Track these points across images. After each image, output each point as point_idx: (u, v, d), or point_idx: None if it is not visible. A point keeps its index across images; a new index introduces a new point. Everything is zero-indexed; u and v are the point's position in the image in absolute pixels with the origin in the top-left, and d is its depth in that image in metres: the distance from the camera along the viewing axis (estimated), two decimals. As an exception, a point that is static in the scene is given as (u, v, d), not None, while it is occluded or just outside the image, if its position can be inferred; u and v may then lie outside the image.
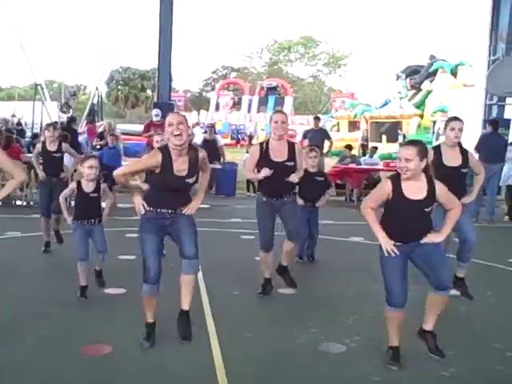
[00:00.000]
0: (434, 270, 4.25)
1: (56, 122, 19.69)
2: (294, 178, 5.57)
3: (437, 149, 5.63)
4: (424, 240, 4.19)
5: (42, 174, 7.64)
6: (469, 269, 5.98)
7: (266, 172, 5.45)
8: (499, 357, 4.53)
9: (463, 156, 5.58)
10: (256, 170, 5.64)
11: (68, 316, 5.20)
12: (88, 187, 5.81)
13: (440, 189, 4.19)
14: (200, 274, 6.28)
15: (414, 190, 4.11)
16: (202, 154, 4.53)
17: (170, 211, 4.41)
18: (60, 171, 7.60)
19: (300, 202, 7.24)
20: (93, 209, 5.84)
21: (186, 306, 4.55)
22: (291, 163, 5.58)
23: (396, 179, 4.15)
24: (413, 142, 4.27)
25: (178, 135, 4.22)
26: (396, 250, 4.12)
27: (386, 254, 4.13)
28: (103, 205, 6.05)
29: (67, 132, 11.64)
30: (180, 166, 4.33)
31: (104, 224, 5.97)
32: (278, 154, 5.56)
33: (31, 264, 6.99)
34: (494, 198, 11.71)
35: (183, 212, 4.45)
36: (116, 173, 4.48)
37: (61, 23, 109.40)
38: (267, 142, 5.66)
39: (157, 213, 4.40)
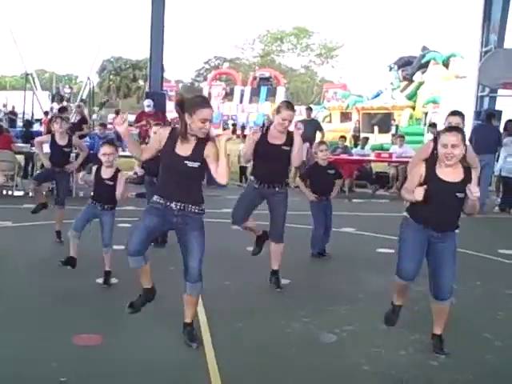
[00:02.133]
0: (437, 277, 4.24)
1: (47, 112, 19.67)
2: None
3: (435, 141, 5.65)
4: (473, 193, 3.97)
5: (47, 164, 7.61)
6: (459, 259, 6.01)
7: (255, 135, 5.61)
8: (488, 346, 4.57)
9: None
10: (253, 156, 5.74)
11: (59, 306, 5.20)
12: (105, 173, 5.88)
13: (474, 174, 4.14)
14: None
15: (449, 173, 4.09)
16: (212, 144, 4.25)
17: (178, 206, 4.20)
18: (66, 163, 7.56)
19: (312, 198, 7.27)
20: (108, 195, 5.84)
21: (188, 319, 4.44)
22: (287, 148, 5.60)
23: (431, 162, 4.17)
24: (456, 129, 4.26)
25: (205, 132, 4.18)
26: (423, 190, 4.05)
27: (420, 195, 4.03)
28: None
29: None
30: (183, 146, 4.20)
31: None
32: (276, 138, 5.61)
33: (21, 254, 6.96)
34: (486, 188, 11.76)
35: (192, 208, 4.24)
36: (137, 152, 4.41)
37: (52, 12, 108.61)
38: (267, 128, 5.72)
39: (165, 206, 4.23)
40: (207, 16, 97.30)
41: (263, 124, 21.26)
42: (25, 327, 4.63)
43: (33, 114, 21.38)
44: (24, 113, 21.59)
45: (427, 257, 4.29)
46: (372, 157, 15.11)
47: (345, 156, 14.58)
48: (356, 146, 20.69)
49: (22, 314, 4.93)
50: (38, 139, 8.19)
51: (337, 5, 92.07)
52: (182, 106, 4.16)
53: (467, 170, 4.13)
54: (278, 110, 5.60)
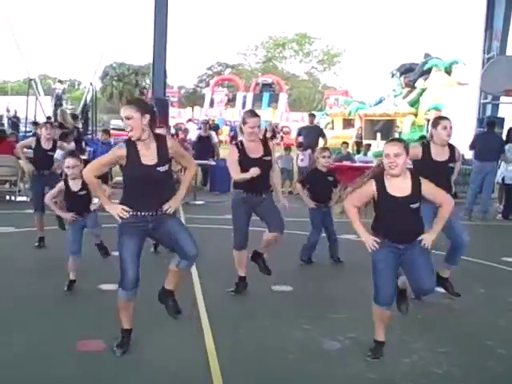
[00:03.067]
0: (416, 282, 4.29)
1: (50, 117, 19.72)
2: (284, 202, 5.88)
3: (426, 145, 5.67)
4: (422, 244, 4.20)
5: (28, 167, 7.67)
6: (461, 267, 6.01)
7: (255, 171, 5.44)
8: (491, 354, 4.55)
9: (451, 151, 5.65)
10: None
11: (62, 312, 5.21)
12: (74, 186, 5.83)
13: (425, 184, 4.21)
14: (194, 271, 6.30)
15: (399, 187, 4.15)
16: (171, 142, 4.32)
17: (151, 213, 4.16)
18: (51, 165, 7.59)
19: (311, 205, 7.23)
20: (82, 206, 5.86)
21: (171, 286, 4.48)
22: (268, 157, 5.69)
23: (380, 178, 4.19)
24: (397, 139, 4.38)
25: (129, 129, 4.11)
26: (378, 242, 4.17)
27: (370, 250, 4.20)
28: (95, 200, 6.01)
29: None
30: (147, 155, 4.12)
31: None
32: (254, 150, 5.65)
33: (25, 260, 6.98)
34: (489, 196, 11.74)
35: (163, 211, 4.19)
36: (84, 172, 4.32)
37: (55, 18, 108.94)
38: (241, 142, 5.73)
39: (137, 217, 4.14)
40: (210, 22, 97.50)
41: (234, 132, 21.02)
42: (26, 331, 4.63)
43: (35, 119, 21.43)
44: (26, 118, 21.63)
45: (402, 266, 4.32)
46: (374, 163, 15.10)
47: (347, 163, 14.58)
48: (358, 152, 20.67)
49: (23, 319, 4.94)
50: (21, 143, 8.23)
51: (339, 11, 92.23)
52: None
53: (415, 181, 4.18)
54: (243, 122, 5.64)
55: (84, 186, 5.74)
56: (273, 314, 5.32)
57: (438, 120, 5.72)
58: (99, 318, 5.01)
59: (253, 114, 5.76)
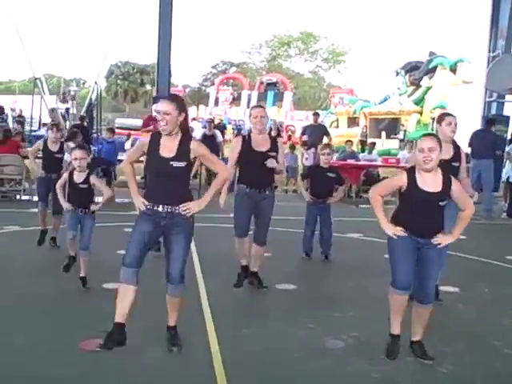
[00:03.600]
0: (424, 279, 4.26)
1: (58, 123, 19.75)
2: (271, 163, 5.60)
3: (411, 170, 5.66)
4: (434, 240, 4.18)
5: (36, 172, 7.71)
6: (466, 265, 5.99)
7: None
8: (497, 354, 4.53)
9: (455, 150, 5.53)
10: (239, 163, 5.82)
11: (65, 311, 5.20)
12: (78, 178, 5.92)
13: (456, 184, 4.21)
14: (198, 270, 6.30)
15: (430, 182, 4.14)
16: (195, 144, 4.30)
17: (166, 208, 4.20)
18: (60, 169, 7.58)
19: (308, 199, 7.31)
20: (83, 199, 5.91)
21: (172, 323, 4.45)
22: (273, 153, 5.71)
23: (412, 171, 4.20)
24: (432, 134, 4.36)
25: (163, 126, 4.17)
26: (402, 232, 4.19)
27: (395, 237, 4.21)
28: (99, 199, 6.03)
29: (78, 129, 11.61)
30: (166, 148, 4.20)
31: (97, 218, 5.95)
32: (260, 144, 5.71)
33: (29, 258, 6.98)
34: (490, 194, 11.69)
35: (180, 210, 4.19)
36: (121, 166, 4.48)
37: (60, 17, 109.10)
38: (249, 135, 5.83)
39: (153, 210, 4.23)
40: (214, 21, 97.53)
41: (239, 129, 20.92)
42: (29, 331, 4.63)
43: (40, 119, 21.49)
44: (32, 117, 21.68)
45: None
46: (379, 162, 15.09)
47: (352, 161, 14.57)
48: (363, 151, 20.65)
49: (24, 318, 4.93)
50: (32, 149, 8.26)
51: (344, 10, 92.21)
52: None
53: (446, 178, 4.19)
54: (250, 114, 5.84)
55: (87, 179, 5.88)
56: (276, 313, 5.32)
57: (442, 116, 5.69)
58: (101, 318, 5.00)
59: (257, 106, 6.05)
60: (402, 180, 4.21)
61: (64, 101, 23.11)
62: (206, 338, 4.58)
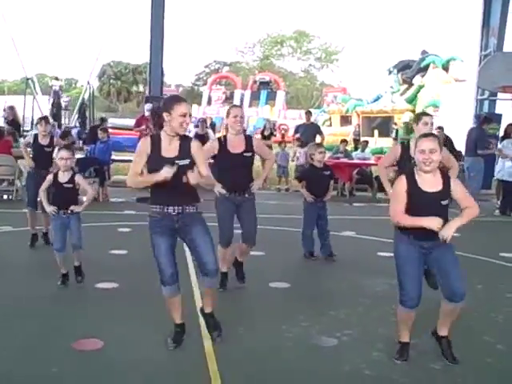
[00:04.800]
0: (445, 277, 4.15)
1: (46, 117, 19.71)
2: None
3: (406, 143, 5.73)
4: (440, 235, 4.00)
5: (30, 162, 7.76)
6: (460, 263, 5.99)
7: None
8: (489, 350, 4.56)
9: None
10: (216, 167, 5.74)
11: (59, 311, 5.20)
12: (63, 178, 5.92)
13: (455, 184, 4.14)
14: (191, 268, 6.29)
15: (430, 182, 4.07)
16: (195, 144, 4.30)
17: (176, 209, 4.23)
18: (50, 165, 7.58)
19: (310, 199, 7.33)
20: (68, 199, 5.88)
21: (209, 310, 4.54)
22: (249, 154, 5.69)
23: (410, 173, 4.14)
24: (432, 134, 4.28)
25: (186, 127, 4.23)
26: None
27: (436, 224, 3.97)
28: (84, 199, 6.03)
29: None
30: (169, 148, 4.21)
31: (91, 217, 5.95)
32: (236, 146, 5.67)
33: (22, 259, 6.98)
34: (475, 190, 11.65)
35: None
36: (127, 182, 4.36)
37: (52, 16, 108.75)
38: (225, 137, 5.80)
39: (163, 214, 4.23)
40: (207, 20, 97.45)
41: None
42: (24, 331, 4.62)
43: (33, 119, 21.39)
44: (24, 117, 21.59)
45: (430, 266, 4.30)
46: (372, 160, 15.13)
47: (345, 160, 14.60)
48: (356, 149, 20.68)
49: (21, 318, 4.92)
50: (23, 142, 8.47)
51: (337, 9, 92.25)
52: (157, 110, 4.26)
53: (446, 178, 4.13)
54: (227, 114, 5.71)
55: (72, 179, 5.89)
56: (270, 311, 5.32)
57: (419, 116, 5.86)
58: (97, 317, 5.01)
59: (236, 105, 5.93)
60: (401, 184, 4.11)
61: (56, 102, 22.91)
62: (199, 337, 4.58)
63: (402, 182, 4.12)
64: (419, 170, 4.09)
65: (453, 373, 4.11)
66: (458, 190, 4.13)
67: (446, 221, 4.08)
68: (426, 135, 4.23)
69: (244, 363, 4.18)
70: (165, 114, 4.16)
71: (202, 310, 4.61)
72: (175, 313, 4.44)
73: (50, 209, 5.90)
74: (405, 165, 5.42)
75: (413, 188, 4.08)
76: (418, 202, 4.06)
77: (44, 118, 8.26)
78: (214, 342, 4.43)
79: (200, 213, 4.35)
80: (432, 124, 5.59)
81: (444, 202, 4.08)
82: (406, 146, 5.68)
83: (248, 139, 5.79)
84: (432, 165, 4.02)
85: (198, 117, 26.16)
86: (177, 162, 4.11)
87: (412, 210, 4.09)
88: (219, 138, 5.86)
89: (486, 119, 12.53)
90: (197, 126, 15.64)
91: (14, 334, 4.57)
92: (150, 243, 4.28)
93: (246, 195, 5.75)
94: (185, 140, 4.26)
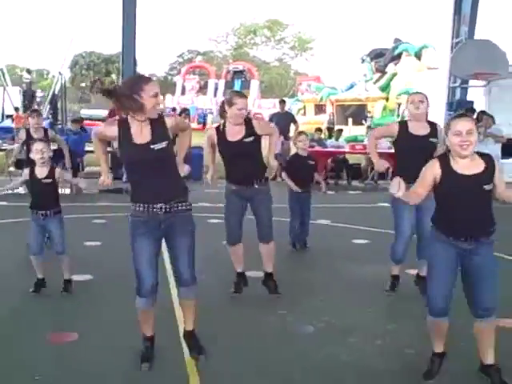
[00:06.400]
0: (478, 293, 3.58)
1: (17, 108, 19.42)
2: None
3: (403, 123, 5.60)
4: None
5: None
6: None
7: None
8: (461, 333, 4.57)
9: (431, 127, 5.41)
10: (212, 152, 5.39)
11: (34, 304, 5.16)
12: (41, 173, 5.43)
13: (497, 165, 3.57)
14: (167, 259, 6.26)
15: (468, 166, 3.50)
16: (171, 120, 3.88)
17: (163, 207, 3.75)
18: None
19: (297, 189, 7.22)
20: (47, 197, 5.45)
21: (190, 327, 4.15)
22: (250, 139, 5.15)
23: (444, 158, 3.58)
24: (466, 114, 3.70)
25: (159, 108, 3.80)
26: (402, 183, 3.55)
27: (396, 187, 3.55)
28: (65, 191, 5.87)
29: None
30: (140, 135, 3.71)
31: (65, 209, 5.75)
32: (235, 133, 5.15)
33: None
34: None
35: (180, 171, 3.91)
36: (92, 137, 4.05)
37: (21, 5, 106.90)
38: (224, 124, 5.25)
39: (149, 213, 3.76)
40: (179, 8, 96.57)
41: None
42: (-1, 326, 4.58)
43: (3, 110, 21.08)
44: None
45: (462, 273, 3.66)
46: (346, 148, 15.21)
47: (319, 148, 14.65)
48: (330, 137, 20.76)
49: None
50: (18, 137, 8.09)
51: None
52: (120, 91, 3.70)
53: (489, 161, 3.54)
54: (230, 103, 5.10)
55: (51, 173, 5.41)
56: (248, 300, 5.33)
57: (409, 95, 5.71)
58: (72, 310, 4.98)
59: (241, 95, 5.33)
60: (434, 169, 3.55)
61: (29, 95, 22.53)
62: (175, 326, 4.55)
63: (434, 166, 3.55)
64: (455, 156, 3.52)
65: (427, 356, 4.13)
66: (497, 172, 3.56)
67: (491, 214, 3.57)
68: (460, 115, 3.63)
69: (220, 351, 4.18)
70: (135, 96, 3.63)
71: (184, 333, 4.20)
72: (147, 325, 4.04)
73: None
74: (403, 144, 5.34)
75: (447, 172, 3.51)
76: (455, 189, 3.50)
77: (35, 111, 7.99)
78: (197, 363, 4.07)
79: (190, 210, 3.92)
80: (420, 101, 5.33)
81: (487, 187, 3.49)
82: (404, 125, 5.45)
83: (247, 123, 5.18)
84: (470, 148, 3.46)
85: (172, 106, 26.04)
86: (152, 147, 3.68)
87: (446, 200, 3.57)
88: (217, 127, 5.34)
89: (468, 109, 12.63)
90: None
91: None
92: (131, 246, 3.83)
93: (256, 186, 5.23)
94: (156, 121, 3.75)
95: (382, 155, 5.77)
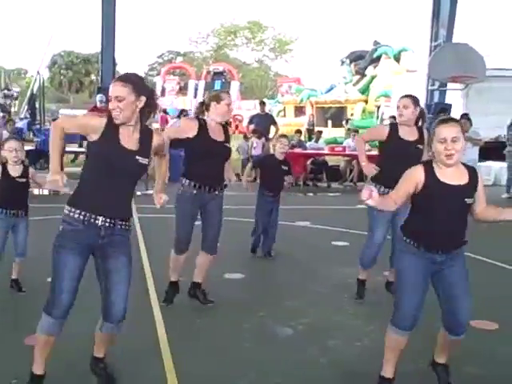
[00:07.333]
0: (452, 307, 3.44)
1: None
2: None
3: (393, 126, 5.52)
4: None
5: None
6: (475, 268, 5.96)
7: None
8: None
9: (419, 133, 5.39)
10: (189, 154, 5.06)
11: (10, 306, 5.09)
12: (14, 171, 5.30)
13: (481, 180, 3.43)
14: (146, 260, 6.23)
15: (453, 175, 3.33)
16: (159, 138, 3.56)
17: (106, 222, 3.29)
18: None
19: (267, 193, 7.02)
20: (19, 196, 5.34)
21: (102, 354, 3.69)
22: (228, 145, 5.08)
23: (429, 164, 3.39)
24: (451, 119, 3.53)
25: (116, 114, 3.28)
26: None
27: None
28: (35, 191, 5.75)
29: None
30: (128, 140, 3.33)
31: (33, 210, 5.63)
32: (217, 134, 4.95)
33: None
34: None
35: (156, 201, 3.66)
36: (55, 125, 3.51)
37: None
38: (204, 120, 4.96)
39: (87, 224, 3.27)
40: (160, 9, 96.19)
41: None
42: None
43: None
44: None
45: (434, 286, 3.53)
46: (326, 150, 15.26)
47: (299, 150, 14.68)
48: (310, 139, 20.81)
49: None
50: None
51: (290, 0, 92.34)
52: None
53: (473, 173, 3.40)
54: (218, 99, 4.89)
55: (24, 173, 5.30)
56: (226, 303, 5.30)
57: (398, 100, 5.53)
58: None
59: (227, 91, 5.26)
60: (417, 175, 3.35)
61: (8, 94, 22.37)
62: (154, 329, 4.54)
63: (418, 172, 3.36)
64: (440, 163, 3.34)
65: (405, 358, 4.15)
66: (481, 188, 3.43)
67: (465, 228, 3.43)
68: (444, 120, 3.40)
69: (199, 355, 4.16)
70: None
71: (92, 359, 3.69)
72: (41, 357, 3.49)
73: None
74: (393, 147, 5.27)
75: (431, 180, 3.32)
76: (437, 196, 3.32)
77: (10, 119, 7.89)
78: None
79: (130, 232, 3.49)
80: (404, 106, 5.28)
81: (468, 200, 3.34)
82: (394, 128, 5.40)
83: (225, 130, 5.06)
84: (455, 157, 3.27)
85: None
86: (137, 158, 3.33)
87: (426, 207, 3.38)
88: (199, 119, 4.97)
89: (442, 110, 12.75)
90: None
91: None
92: (52, 257, 3.41)
93: (216, 192, 5.01)
94: (145, 132, 3.43)
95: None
